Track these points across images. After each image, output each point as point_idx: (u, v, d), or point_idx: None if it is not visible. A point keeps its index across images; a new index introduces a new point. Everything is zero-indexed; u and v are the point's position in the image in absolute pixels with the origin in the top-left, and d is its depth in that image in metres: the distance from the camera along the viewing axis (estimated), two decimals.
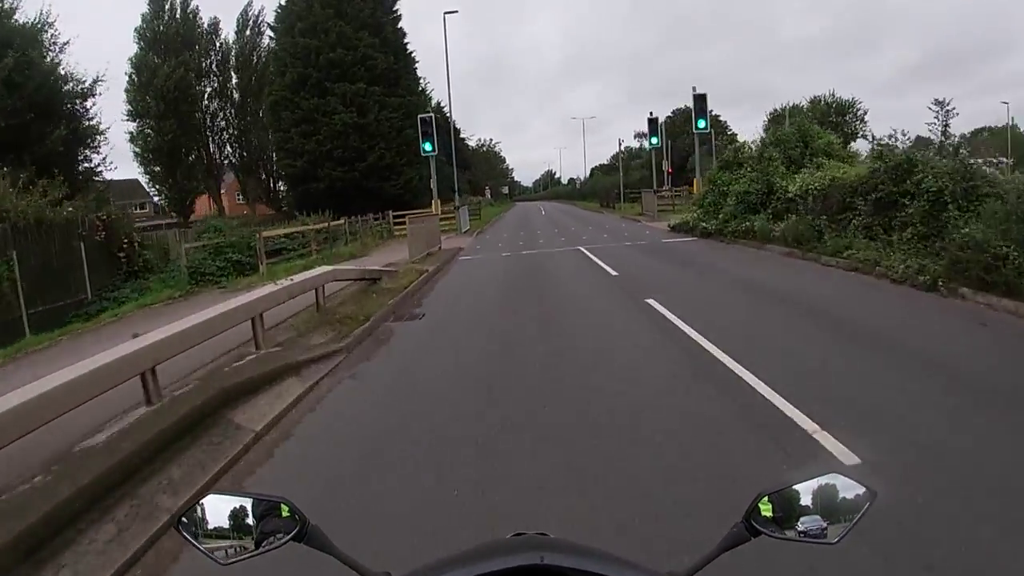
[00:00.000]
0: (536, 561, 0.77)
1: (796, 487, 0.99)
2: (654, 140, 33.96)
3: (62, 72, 26.01)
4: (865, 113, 46.16)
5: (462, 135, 64.71)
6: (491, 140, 71.12)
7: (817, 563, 2.62)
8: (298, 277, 8.59)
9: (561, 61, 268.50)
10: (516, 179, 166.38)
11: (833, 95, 47.10)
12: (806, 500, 0.98)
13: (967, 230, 8.25)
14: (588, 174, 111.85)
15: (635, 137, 76.35)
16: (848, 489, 0.99)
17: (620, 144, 70.70)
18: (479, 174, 63.64)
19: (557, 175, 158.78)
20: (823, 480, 0.99)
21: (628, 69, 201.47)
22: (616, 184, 48.16)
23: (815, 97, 47.01)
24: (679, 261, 13.98)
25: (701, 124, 24.31)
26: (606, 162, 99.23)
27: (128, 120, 38.35)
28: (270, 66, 38.14)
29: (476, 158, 66.15)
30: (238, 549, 0.97)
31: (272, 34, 37.68)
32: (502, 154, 78.53)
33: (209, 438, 4.61)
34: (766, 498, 0.98)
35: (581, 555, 0.82)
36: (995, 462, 3.60)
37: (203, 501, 0.99)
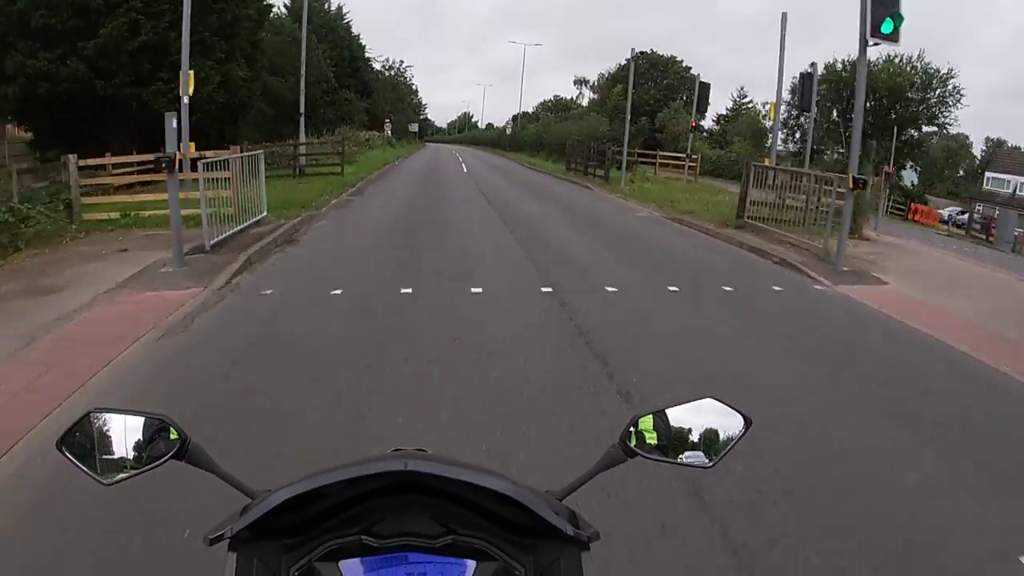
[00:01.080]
0: (400, 467, 0.76)
1: (672, 410, 1.01)
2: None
3: None
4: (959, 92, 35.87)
5: (366, 52, 52.61)
6: (401, 63, 58.19)
7: None
8: None
9: (494, 6, 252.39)
10: (430, 118, 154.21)
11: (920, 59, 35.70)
12: (681, 423, 1.01)
13: None
14: (512, 120, 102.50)
15: (575, 84, 67.44)
16: (723, 414, 1.02)
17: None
18: (380, 102, 51.78)
19: (475, 119, 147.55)
20: (699, 404, 1.02)
21: (562, 26, 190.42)
22: (571, 136, 34.95)
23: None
24: None
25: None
26: (530, 111, 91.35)
27: None
28: None
29: (380, 84, 54.02)
30: (120, 467, 0.95)
31: None
32: (414, 84, 65.94)
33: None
34: (646, 419, 1.01)
35: (449, 464, 0.78)
36: None
37: (85, 419, 0.95)
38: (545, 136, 42.71)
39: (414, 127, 64.96)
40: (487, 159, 45.25)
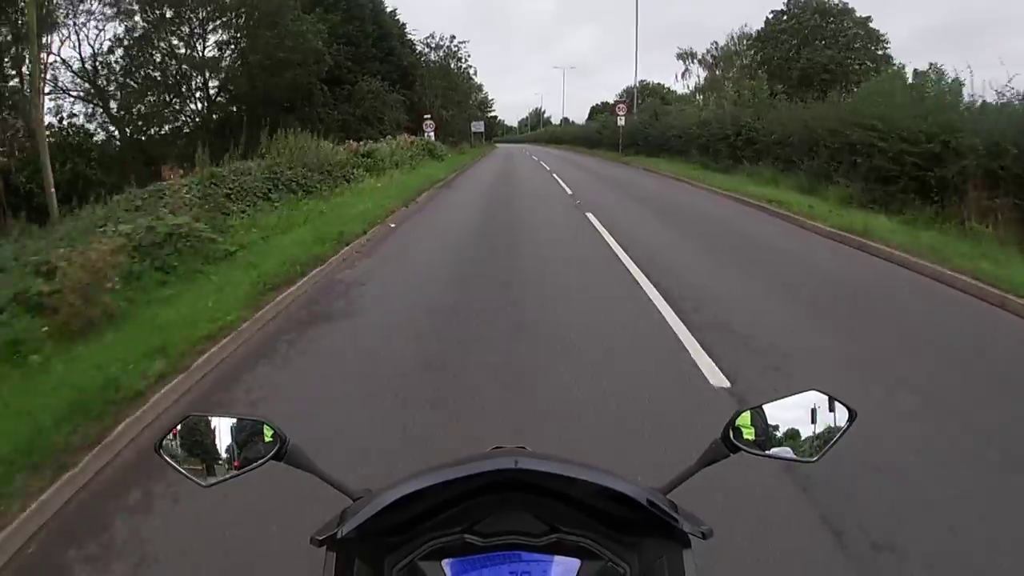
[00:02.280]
0: (510, 465, 0.74)
1: (775, 403, 0.98)
2: None
3: None
4: None
5: (405, 29, 37.37)
6: (452, 39, 41.60)
7: None
8: None
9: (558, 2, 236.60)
10: (499, 117, 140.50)
11: None
12: (785, 417, 0.97)
13: None
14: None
15: (679, 58, 49.91)
16: (828, 407, 0.98)
17: None
18: (426, 94, 36.33)
19: (547, 114, 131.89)
20: (802, 397, 0.98)
21: (628, 14, 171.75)
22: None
23: None
24: None
25: None
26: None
27: None
28: None
29: (426, 71, 38.51)
30: (219, 470, 0.94)
31: None
32: (472, 68, 49.97)
33: None
34: (745, 414, 0.97)
35: (557, 462, 0.77)
36: None
37: (183, 422, 0.96)
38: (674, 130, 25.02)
39: (479, 126, 49.39)
40: (577, 161, 32.57)
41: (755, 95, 18.57)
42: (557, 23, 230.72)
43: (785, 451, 0.96)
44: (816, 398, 0.97)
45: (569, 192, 15.12)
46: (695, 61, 47.86)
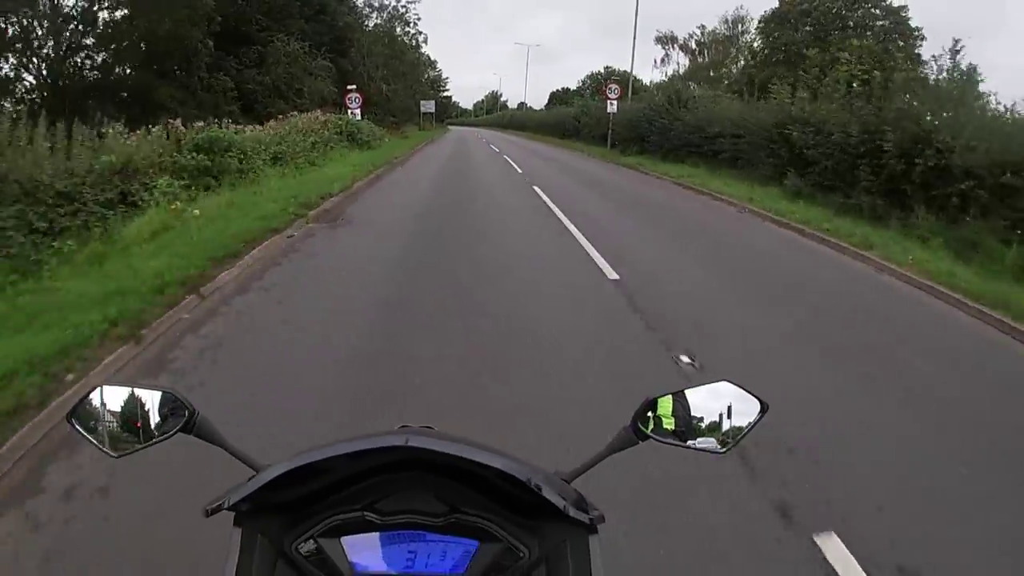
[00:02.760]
0: (401, 443, 0.73)
1: (685, 392, 0.97)
2: None
3: None
4: None
5: None
6: (400, 1, 33.93)
7: None
8: None
9: None
10: (454, 99, 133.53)
11: None
12: (695, 406, 0.97)
13: None
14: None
15: (659, 42, 44.27)
16: (738, 398, 0.97)
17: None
18: (368, 64, 29.20)
19: (504, 98, 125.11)
20: (713, 387, 0.97)
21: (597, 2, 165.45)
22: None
23: None
24: None
25: None
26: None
27: None
28: None
29: (365, 36, 31.13)
30: (128, 441, 0.93)
31: None
32: (426, 48, 42.72)
33: None
34: (660, 401, 0.97)
35: (452, 441, 0.75)
36: None
37: (93, 393, 0.94)
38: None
39: (429, 106, 42.34)
40: (541, 150, 28.80)
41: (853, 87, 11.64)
42: (518, 4, 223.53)
43: (694, 441, 0.95)
44: (727, 388, 0.97)
45: (584, 239, 7.83)
46: (675, 47, 42.27)
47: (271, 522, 0.79)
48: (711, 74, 36.74)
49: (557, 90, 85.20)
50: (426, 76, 52.13)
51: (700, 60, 39.99)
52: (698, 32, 39.68)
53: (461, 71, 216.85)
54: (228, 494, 0.76)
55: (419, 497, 0.79)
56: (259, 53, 23.53)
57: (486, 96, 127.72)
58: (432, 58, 58.57)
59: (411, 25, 35.11)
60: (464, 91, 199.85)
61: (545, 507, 0.76)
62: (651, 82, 62.81)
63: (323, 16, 27.35)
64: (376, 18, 32.69)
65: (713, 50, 38.88)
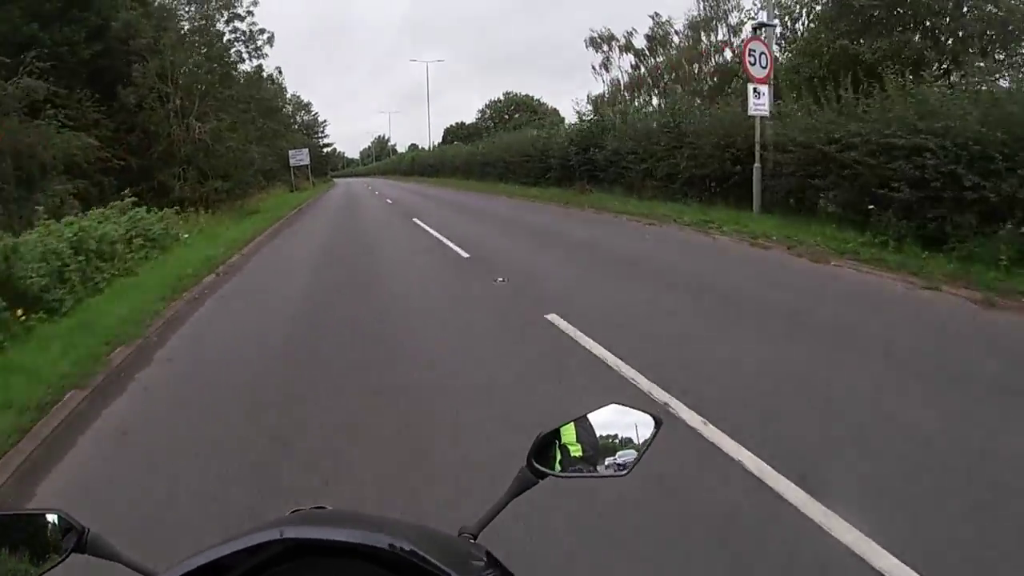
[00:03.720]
0: (275, 536, 0.69)
1: (575, 423, 0.95)
2: None
3: None
4: None
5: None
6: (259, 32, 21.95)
7: None
8: None
9: (400, 26, 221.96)
10: (339, 149, 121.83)
11: None
12: (587, 434, 0.95)
13: None
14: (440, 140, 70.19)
15: (597, 70, 35.36)
16: (630, 418, 0.96)
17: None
18: (172, 94, 17.37)
19: (391, 142, 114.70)
20: (602, 412, 0.96)
21: (470, 37, 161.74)
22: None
23: None
24: None
25: None
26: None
27: None
28: None
29: (171, 45, 19.10)
30: (21, 570, 0.86)
31: None
32: (281, 79, 30.95)
33: None
34: (545, 435, 0.94)
35: (330, 525, 0.75)
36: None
37: None
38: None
39: (300, 156, 30.99)
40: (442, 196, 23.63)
41: None
42: (396, 50, 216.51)
43: (594, 468, 0.94)
44: (617, 410, 0.96)
45: None
46: (616, 47, 33.64)
47: None
48: (674, 76, 27.93)
49: (452, 125, 75.97)
50: (293, 118, 40.86)
51: (656, 60, 31.21)
52: (655, 24, 30.71)
53: (341, 121, 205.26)
54: None
55: None
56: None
57: (373, 142, 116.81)
58: (302, 98, 47.35)
59: (253, 40, 22.77)
60: (347, 141, 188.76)
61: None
62: (583, 101, 53.99)
63: (79, 12, 15.54)
64: (189, 17, 20.11)
65: (673, 46, 30.09)
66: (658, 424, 0.94)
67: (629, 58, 32.73)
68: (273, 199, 23.83)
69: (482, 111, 64.44)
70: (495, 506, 0.93)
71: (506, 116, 61.08)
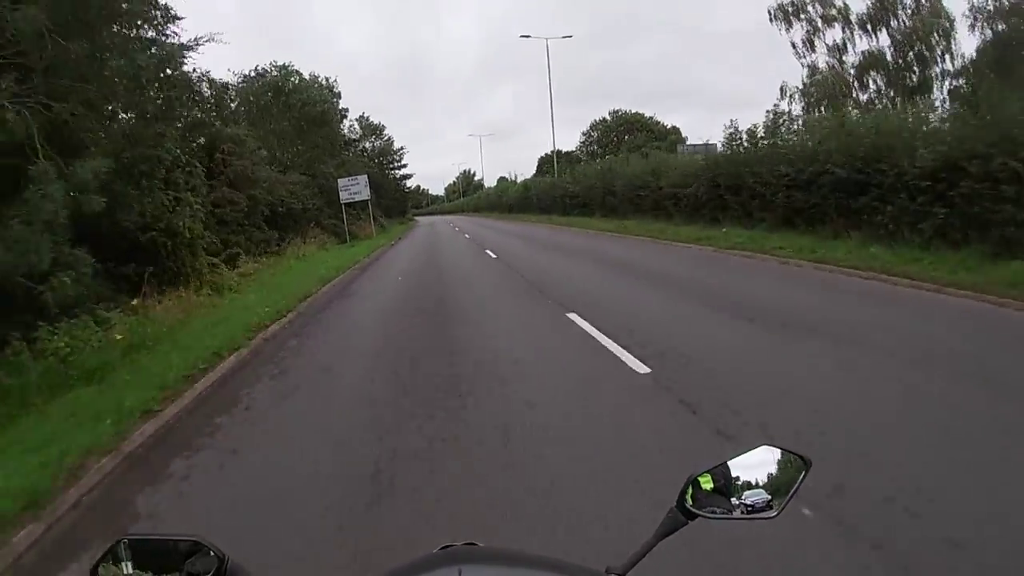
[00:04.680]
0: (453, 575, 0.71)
1: (727, 464, 0.95)
2: None
3: None
4: None
5: None
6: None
7: None
8: None
9: (479, 62, 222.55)
10: (422, 186, 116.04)
11: None
12: (740, 477, 0.95)
13: None
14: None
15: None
16: (781, 460, 0.96)
17: None
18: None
19: (478, 176, 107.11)
20: (754, 454, 0.96)
21: (545, 73, 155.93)
22: None
23: None
24: None
25: None
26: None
27: None
28: None
29: None
30: None
31: None
32: (336, 87, 22.75)
33: None
34: (698, 479, 0.95)
35: (504, 563, 0.78)
36: None
37: (117, 545, 0.90)
38: None
39: (355, 188, 21.78)
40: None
41: None
42: (472, 87, 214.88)
43: (743, 509, 0.94)
44: (768, 452, 0.96)
45: None
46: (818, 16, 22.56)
47: None
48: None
49: (546, 154, 66.64)
50: (358, 144, 32.25)
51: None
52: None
53: (423, 158, 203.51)
54: None
55: None
56: None
57: (458, 176, 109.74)
58: (372, 119, 38.74)
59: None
60: (430, 180, 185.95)
61: None
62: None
63: None
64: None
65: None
66: (807, 465, 0.93)
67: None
68: (284, 268, 14.17)
69: (587, 134, 54.32)
70: (644, 546, 0.91)
71: (614, 138, 50.67)
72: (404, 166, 41.20)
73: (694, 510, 0.91)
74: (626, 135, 50.68)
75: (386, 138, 38.78)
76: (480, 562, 0.75)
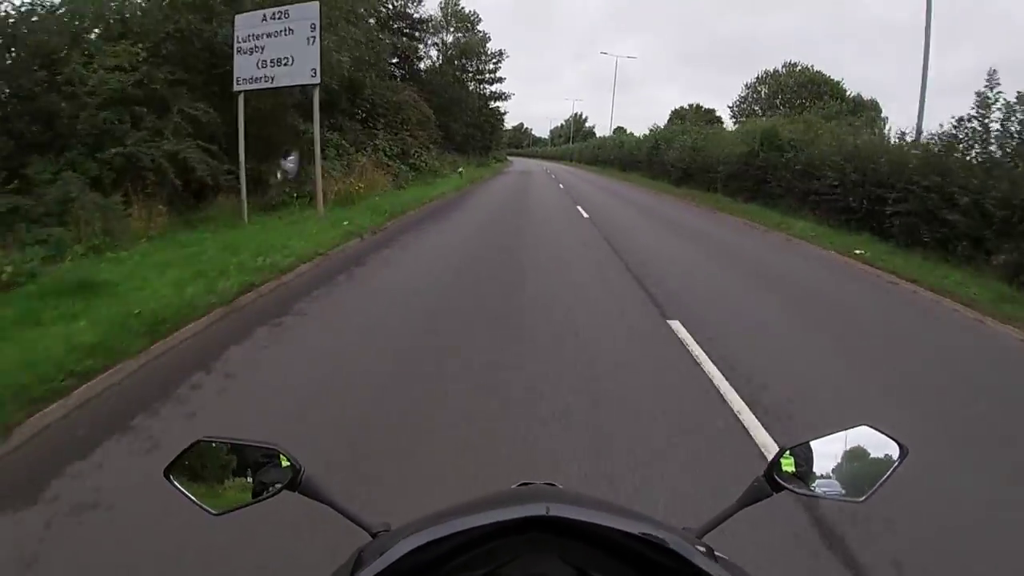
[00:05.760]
0: (541, 512, 0.70)
1: (822, 440, 0.93)
2: None
3: None
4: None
5: None
6: None
7: None
8: None
9: (605, 10, 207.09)
10: (526, 126, 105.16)
11: None
12: (833, 455, 0.93)
13: None
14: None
15: None
16: (878, 443, 0.93)
17: None
18: None
19: (590, 124, 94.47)
20: (851, 433, 0.94)
21: (677, 28, 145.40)
22: None
23: None
24: None
25: None
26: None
27: None
28: None
29: None
30: (230, 498, 0.91)
31: None
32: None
33: None
34: (789, 452, 0.93)
35: (589, 507, 0.75)
36: None
37: (193, 446, 0.91)
38: None
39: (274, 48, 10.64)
40: None
41: None
42: (596, 36, 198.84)
43: (832, 489, 0.92)
44: (866, 433, 0.94)
45: None
46: None
47: None
48: None
49: (684, 107, 54.04)
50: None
51: None
52: None
53: (534, 99, 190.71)
54: (354, 566, 0.71)
55: (545, 560, 0.73)
56: None
57: (567, 120, 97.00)
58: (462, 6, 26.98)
59: None
60: (537, 120, 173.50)
61: (675, 568, 0.70)
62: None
63: None
64: None
65: None
66: (904, 452, 0.92)
67: None
68: None
69: (749, 87, 40.96)
70: (725, 511, 0.91)
71: (793, 99, 37.13)
72: (500, 80, 29.72)
73: (782, 482, 0.90)
74: (811, 99, 37.10)
75: (480, 34, 27.63)
76: (566, 502, 0.71)
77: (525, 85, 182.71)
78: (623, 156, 37.73)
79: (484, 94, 29.87)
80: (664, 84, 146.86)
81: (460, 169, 23.10)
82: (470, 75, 27.55)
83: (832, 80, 38.65)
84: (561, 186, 25.03)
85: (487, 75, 28.95)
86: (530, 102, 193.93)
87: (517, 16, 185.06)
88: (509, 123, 66.08)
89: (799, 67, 40.49)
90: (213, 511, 0.88)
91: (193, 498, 0.88)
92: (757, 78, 41.38)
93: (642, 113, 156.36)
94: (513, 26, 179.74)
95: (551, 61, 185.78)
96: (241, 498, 0.89)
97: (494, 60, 28.62)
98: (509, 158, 64.75)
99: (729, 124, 37.34)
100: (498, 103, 31.01)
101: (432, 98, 25.86)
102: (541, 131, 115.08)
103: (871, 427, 0.92)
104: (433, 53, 25.82)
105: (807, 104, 36.95)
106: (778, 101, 38.99)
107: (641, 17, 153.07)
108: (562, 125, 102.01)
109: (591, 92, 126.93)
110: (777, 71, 40.78)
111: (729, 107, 40.57)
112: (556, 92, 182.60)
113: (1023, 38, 63.48)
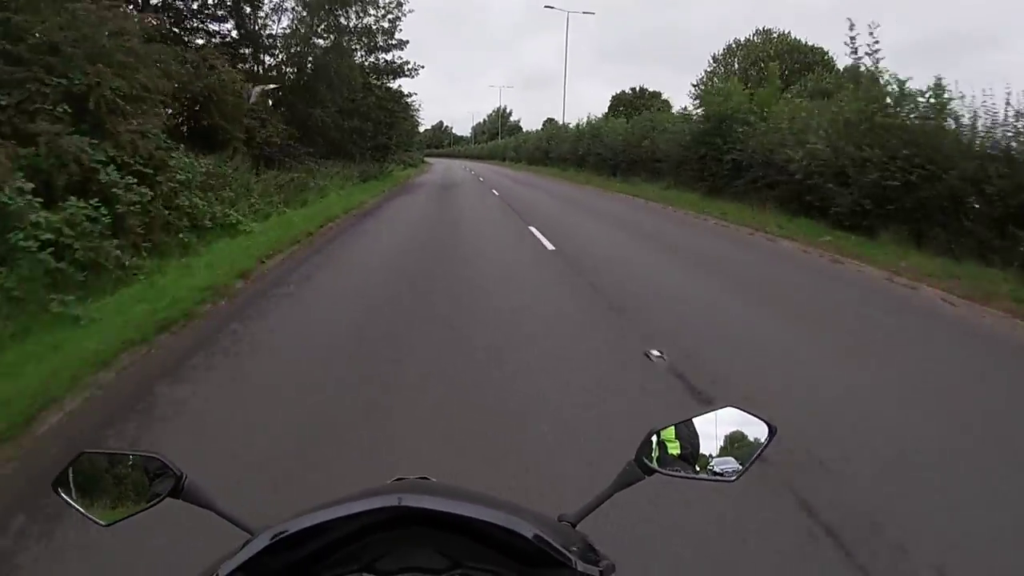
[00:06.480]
0: (393, 503, 0.68)
1: (690, 422, 0.92)
2: None
3: None
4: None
5: None
6: None
7: None
8: None
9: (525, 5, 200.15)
10: (445, 124, 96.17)
11: None
12: (700, 434, 0.91)
13: None
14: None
15: None
16: (746, 424, 0.91)
17: None
18: None
19: (516, 118, 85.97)
20: (718, 414, 0.92)
21: (596, 22, 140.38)
22: None
23: None
24: None
25: None
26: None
27: None
28: None
29: None
30: (116, 509, 0.89)
31: None
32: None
33: None
34: (664, 432, 0.91)
35: (449, 497, 0.72)
36: None
37: (77, 459, 0.89)
38: None
39: None
40: None
41: None
42: (522, 27, 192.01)
43: (703, 471, 0.91)
44: (733, 414, 0.92)
45: None
46: None
47: None
48: None
49: (625, 91, 46.13)
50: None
51: None
52: None
53: (454, 98, 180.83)
54: (219, 564, 0.69)
55: (420, 553, 0.72)
56: None
57: (490, 114, 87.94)
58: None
59: None
60: (458, 120, 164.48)
61: (551, 558, 0.69)
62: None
63: None
64: None
65: None
66: (772, 431, 0.90)
67: None
68: None
69: (717, 61, 33.23)
70: (598, 497, 0.90)
71: (781, 73, 29.43)
72: (401, 45, 19.72)
73: (652, 466, 0.88)
74: (799, 72, 29.48)
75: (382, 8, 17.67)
76: (423, 492, 0.69)
77: (445, 86, 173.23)
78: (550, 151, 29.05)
79: (377, 66, 19.93)
80: (590, 78, 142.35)
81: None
82: (351, 37, 17.77)
83: (822, 51, 31.33)
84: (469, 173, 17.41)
85: (379, 38, 19.06)
86: (451, 101, 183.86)
87: (434, 12, 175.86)
88: (427, 120, 56.53)
89: (775, 34, 32.93)
90: (101, 522, 0.87)
91: (81, 509, 0.86)
92: (726, 49, 33.57)
93: (571, 108, 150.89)
94: (429, 24, 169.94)
95: (472, 59, 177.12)
96: (129, 508, 0.87)
97: (390, 12, 18.64)
98: (428, 159, 54.97)
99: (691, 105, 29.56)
100: (399, 80, 21.19)
101: (287, 72, 16.03)
102: (462, 129, 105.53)
103: (737, 407, 0.91)
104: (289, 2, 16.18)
105: (793, 76, 29.37)
106: (753, 72, 31.12)
107: (558, 16, 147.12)
108: (485, 121, 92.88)
109: (516, 92, 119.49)
110: (750, 40, 33.06)
111: (693, 85, 32.42)
112: (478, 91, 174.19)
113: None
